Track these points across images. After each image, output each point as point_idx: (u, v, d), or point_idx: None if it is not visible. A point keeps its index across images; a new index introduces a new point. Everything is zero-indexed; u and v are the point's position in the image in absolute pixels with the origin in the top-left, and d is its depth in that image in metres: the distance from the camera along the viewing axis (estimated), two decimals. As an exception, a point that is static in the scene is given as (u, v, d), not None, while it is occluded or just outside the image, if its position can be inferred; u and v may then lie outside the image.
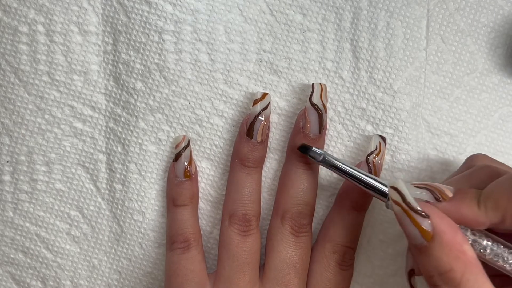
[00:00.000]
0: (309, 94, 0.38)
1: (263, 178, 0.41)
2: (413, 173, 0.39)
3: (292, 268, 0.38)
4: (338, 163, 0.36)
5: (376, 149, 0.39)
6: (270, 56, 0.40)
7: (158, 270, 0.41)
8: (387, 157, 0.40)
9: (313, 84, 0.38)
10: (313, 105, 0.38)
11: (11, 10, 0.40)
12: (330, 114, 0.40)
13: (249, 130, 0.38)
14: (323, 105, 0.38)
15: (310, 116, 0.38)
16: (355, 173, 0.35)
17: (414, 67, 0.40)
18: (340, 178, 0.40)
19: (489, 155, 0.40)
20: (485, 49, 0.40)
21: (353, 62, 0.40)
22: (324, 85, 0.39)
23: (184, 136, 0.40)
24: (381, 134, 0.40)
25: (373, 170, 0.38)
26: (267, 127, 0.39)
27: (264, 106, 0.39)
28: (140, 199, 0.41)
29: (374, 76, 0.39)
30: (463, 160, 0.40)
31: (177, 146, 0.40)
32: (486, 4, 0.40)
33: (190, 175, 0.39)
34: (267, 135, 0.39)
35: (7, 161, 0.41)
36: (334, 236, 0.39)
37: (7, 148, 0.41)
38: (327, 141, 0.40)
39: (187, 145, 0.40)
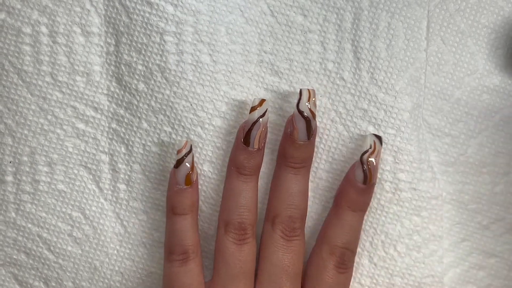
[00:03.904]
0: (296, 100, 0.38)
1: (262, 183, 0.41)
2: (415, 174, 0.39)
3: (284, 272, 0.38)
4: None
5: (370, 148, 0.38)
6: (271, 57, 0.40)
7: (162, 270, 0.41)
8: (389, 158, 0.40)
9: (300, 90, 0.38)
10: (300, 112, 0.38)
11: (15, 12, 0.40)
12: (331, 115, 0.40)
13: (245, 137, 0.38)
14: (311, 111, 0.38)
15: (297, 123, 0.38)
16: None
17: (414, 67, 0.40)
18: (340, 179, 0.40)
19: (491, 156, 0.40)
20: (485, 50, 0.40)
21: (354, 63, 0.40)
22: (313, 90, 0.38)
23: (187, 141, 0.39)
24: (382, 134, 0.40)
25: (368, 170, 0.38)
26: (264, 134, 0.39)
27: (262, 113, 0.38)
28: (145, 199, 0.41)
29: (375, 76, 0.40)
30: (465, 162, 0.41)
31: (178, 152, 0.39)
32: (486, 5, 0.40)
33: (191, 182, 0.39)
34: (264, 142, 0.39)
35: (10, 162, 0.41)
36: (331, 237, 0.39)
37: (9, 148, 0.41)
38: (328, 142, 0.40)
39: (189, 151, 0.39)
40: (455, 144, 0.41)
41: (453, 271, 0.41)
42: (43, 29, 0.40)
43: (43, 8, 0.40)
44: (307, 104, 0.38)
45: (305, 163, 0.39)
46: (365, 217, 0.40)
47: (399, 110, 0.39)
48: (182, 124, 0.40)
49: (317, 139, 0.40)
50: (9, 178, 0.41)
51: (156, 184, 0.41)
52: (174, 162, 0.40)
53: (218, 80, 0.40)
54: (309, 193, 0.40)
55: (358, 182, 0.38)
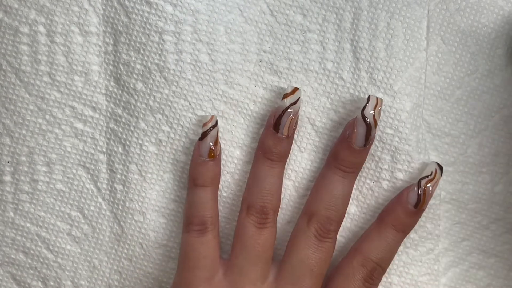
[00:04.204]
0: (363, 105, 0.38)
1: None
2: (413, 174, 0.39)
3: (308, 270, 0.38)
4: None
5: (430, 175, 0.39)
6: (270, 56, 0.40)
7: (159, 271, 0.41)
8: (387, 157, 0.40)
9: (369, 96, 0.38)
10: (363, 117, 0.37)
11: (12, 11, 0.40)
12: (330, 115, 0.40)
13: (275, 123, 0.38)
14: (374, 119, 0.37)
15: (358, 127, 0.38)
16: None
17: (414, 67, 0.40)
18: (389, 194, 0.40)
19: (490, 156, 0.40)
20: (485, 49, 0.40)
21: (354, 63, 0.40)
22: (381, 99, 0.38)
23: (213, 115, 0.39)
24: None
25: (423, 195, 0.38)
26: (294, 122, 0.38)
27: (293, 101, 0.38)
28: (141, 199, 0.41)
29: (374, 76, 0.40)
30: (464, 161, 0.41)
31: (204, 125, 0.39)
32: (486, 5, 0.40)
33: (215, 155, 0.39)
34: (294, 130, 0.39)
35: (8, 162, 0.41)
36: (366, 249, 0.39)
37: (8, 148, 0.41)
38: (329, 143, 0.40)
39: (215, 125, 0.39)
40: (455, 144, 0.41)
41: (452, 271, 0.41)
42: (41, 28, 0.40)
43: (41, 7, 0.40)
44: (372, 112, 0.37)
45: (355, 169, 0.39)
46: (363, 215, 0.41)
47: (398, 110, 0.39)
48: (181, 123, 0.40)
49: (316, 138, 0.40)
50: (7, 178, 0.41)
51: (153, 184, 0.41)
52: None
53: (217, 79, 0.40)
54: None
55: (409, 204, 0.38)
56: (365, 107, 0.37)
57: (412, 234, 0.40)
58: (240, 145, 0.41)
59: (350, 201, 0.40)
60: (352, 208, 0.41)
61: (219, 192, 0.41)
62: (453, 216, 0.41)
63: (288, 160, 0.40)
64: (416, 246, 0.41)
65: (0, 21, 0.40)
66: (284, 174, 0.41)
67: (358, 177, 0.40)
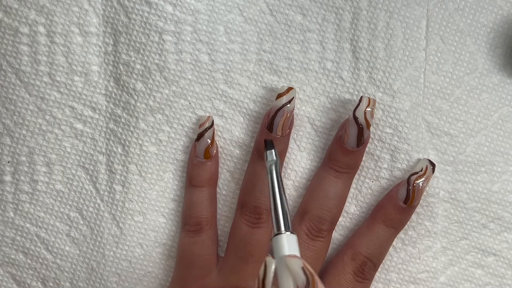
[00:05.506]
0: (354, 106, 0.38)
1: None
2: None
3: None
4: (275, 178, 0.34)
5: (420, 171, 0.39)
6: (270, 56, 0.40)
7: (159, 269, 0.41)
8: (386, 156, 0.40)
9: (361, 97, 0.38)
10: (355, 118, 0.37)
11: (12, 11, 0.40)
12: (329, 114, 0.40)
13: (269, 123, 0.38)
14: (366, 120, 0.37)
15: (350, 128, 0.38)
16: (277, 196, 0.33)
17: (413, 67, 0.40)
18: (382, 192, 0.41)
19: (489, 155, 0.40)
20: (484, 49, 0.40)
21: (353, 62, 0.40)
22: (374, 100, 0.38)
23: (209, 116, 0.40)
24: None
25: (412, 191, 0.38)
26: (288, 121, 0.38)
27: (287, 101, 0.38)
28: (141, 200, 0.41)
29: (373, 76, 0.40)
30: (463, 160, 0.41)
31: (200, 125, 0.39)
32: (485, 4, 0.40)
33: (211, 156, 0.39)
34: (290, 130, 0.39)
35: (8, 162, 0.41)
36: (356, 244, 0.39)
37: (8, 148, 0.41)
38: (328, 143, 0.40)
39: (211, 126, 0.39)
40: (454, 143, 0.41)
41: (451, 269, 0.42)
42: (41, 29, 0.40)
43: (41, 8, 0.40)
44: (363, 112, 0.37)
45: (349, 170, 0.39)
46: (363, 215, 0.41)
47: (397, 110, 0.39)
48: (181, 123, 0.40)
49: (315, 137, 0.40)
50: (8, 178, 0.41)
51: (153, 185, 0.41)
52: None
53: (217, 79, 0.40)
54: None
55: (399, 200, 0.38)
56: (356, 107, 0.37)
57: (410, 232, 0.40)
58: (239, 144, 0.41)
59: (349, 200, 0.41)
60: (352, 207, 0.41)
61: (218, 191, 0.41)
62: (451, 215, 0.41)
63: (287, 159, 0.41)
64: (415, 244, 0.41)
65: (0, 21, 0.40)
66: (283, 174, 0.41)
67: (357, 176, 0.40)
